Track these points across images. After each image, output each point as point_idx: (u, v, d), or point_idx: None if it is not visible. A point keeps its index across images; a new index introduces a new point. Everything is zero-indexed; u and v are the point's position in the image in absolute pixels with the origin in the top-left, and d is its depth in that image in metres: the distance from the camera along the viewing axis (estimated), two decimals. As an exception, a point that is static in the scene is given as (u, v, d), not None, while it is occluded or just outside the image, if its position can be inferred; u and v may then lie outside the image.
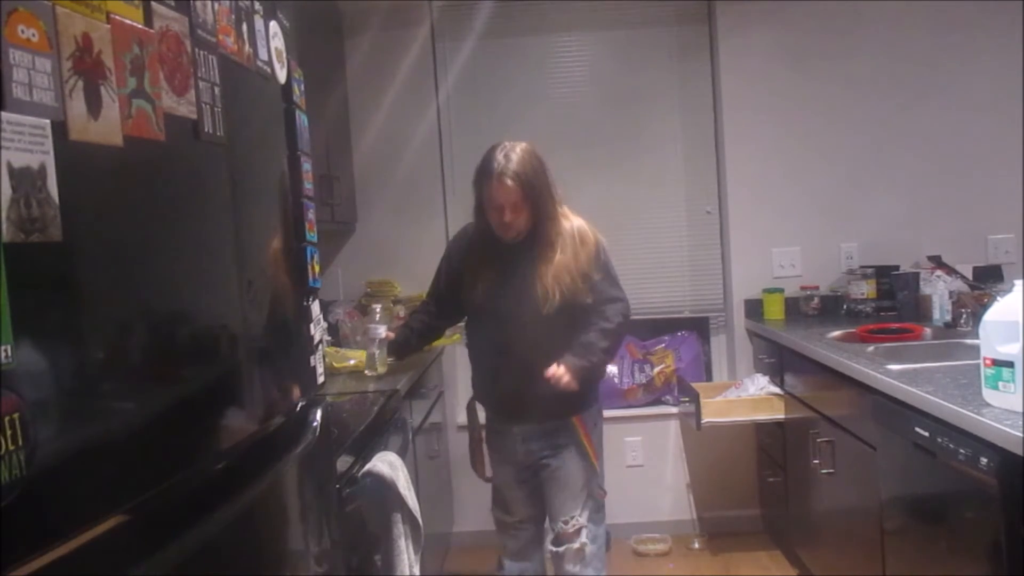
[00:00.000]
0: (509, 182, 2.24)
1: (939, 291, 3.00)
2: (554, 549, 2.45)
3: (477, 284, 2.39)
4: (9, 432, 0.68)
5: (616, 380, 3.59)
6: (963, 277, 3.05)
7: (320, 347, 1.53)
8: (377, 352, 2.59)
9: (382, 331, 2.61)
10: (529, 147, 2.32)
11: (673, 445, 3.63)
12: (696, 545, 3.46)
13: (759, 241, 3.53)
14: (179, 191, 1.04)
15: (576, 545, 2.43)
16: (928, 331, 2.86)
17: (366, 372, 2.60)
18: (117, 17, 0.89)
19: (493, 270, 2.37)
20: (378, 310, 3.10)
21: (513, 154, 2.27)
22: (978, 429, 1.60)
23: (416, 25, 3.58)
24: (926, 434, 1.83)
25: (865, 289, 3.31)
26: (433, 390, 3.23)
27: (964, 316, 2.80)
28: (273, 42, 1.37)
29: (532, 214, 2.30)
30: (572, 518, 2.42)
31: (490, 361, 2.45)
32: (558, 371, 2.26)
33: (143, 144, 0.93)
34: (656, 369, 3.65)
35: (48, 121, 0.77)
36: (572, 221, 2.38)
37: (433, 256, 3.57)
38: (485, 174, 2.29)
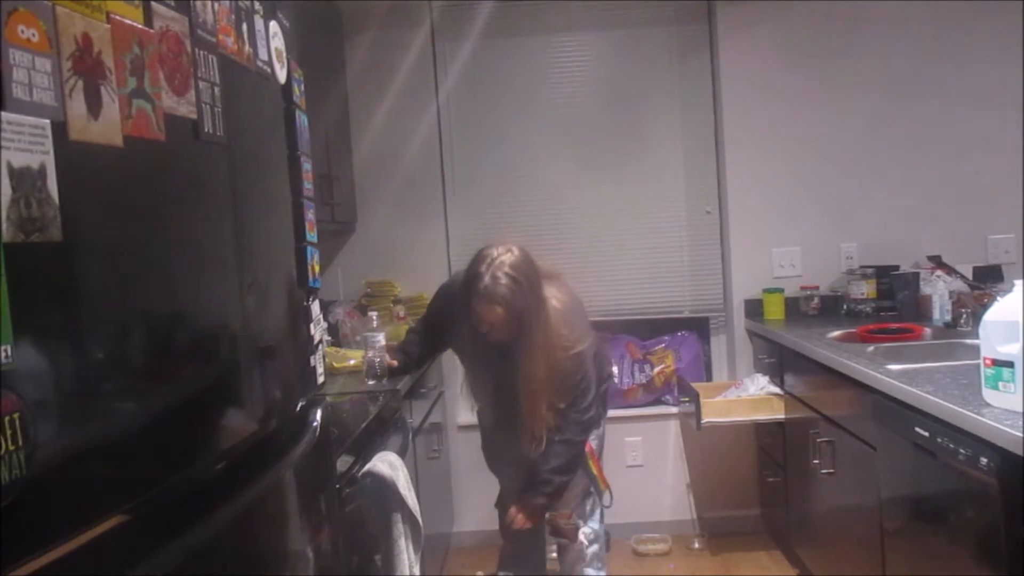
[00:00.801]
0: (496, 307, 2.16)
1: (939, 291, 3.00)
2: (552, 539, 2.49)
3: (470, 376, 2.48)
4: (9, 432, 0.68)
5: (616, 380, 3.59)
6: (963, 277, 3.05)
7: (320, 347, 1.53)
8: (377, 360, 2.59)
9: (381, 338, 2.63)
10: (517, 260, 2.18)
11: (673, 445, 3.63)
12: (696, 545, 3.46)
13: (759, 241, 3.53)
14: (179, 191, 1.04)
15: (576, 545, 2.44)
16: (928, 331, 2.85)
17: (368, 381, 2.60)
18: (117, 17, 0.89)
19: (485, 372, 2.39)
20: (374, 317, 3.10)
21: (500, 274, 2.14)
22: (978, 429, 1.60)
23: (416, 25, 3.58)
24: (926, 434, 1.83)
25: (865, 289, 3.31)
26: (433, 390, 3.23)
27: (964, 316, 2.80)
28: (273, 42, 1.37)
29: (518, 327, 2.21)
30: (570, 514, 2.43)
31: (488, 403, 2.51)
32: (516, 516, 2.37)
33: (143, 144, 0.93)
34: (656, 369, 3.65)
35: (48, 121, 0.77)
36: (556, 317, 2.27)
37: (433, 256, 3.62)
38: (472, 291, 2.19)
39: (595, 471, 2.47)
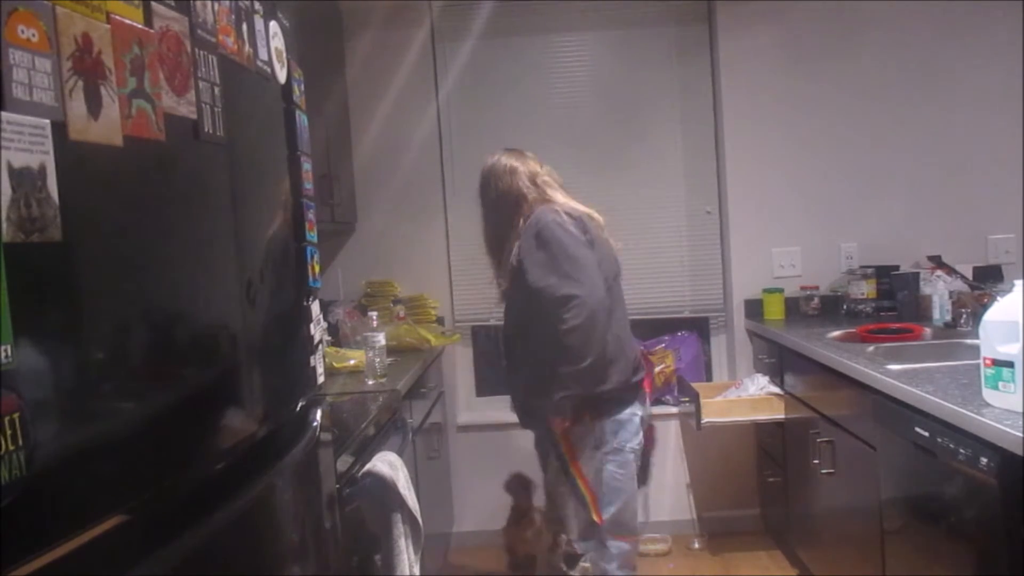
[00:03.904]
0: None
1: (939, 291, 3.00)
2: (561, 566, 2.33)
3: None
4: (9, 432, 0.68)
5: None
6: (963, 277, 3.05)
7: (320, 347, 1.53)
8: (377, 360, 2.59)
9: (381, 338, 2.63)
10: (488, 164, 2.40)
11: (673, 445, 3.63)
12: (696, 545, 3.46)
13: (759, 241, 3.53)
14: (179, 191, 1.04)
15: (574, 574, 2.28)
16: (928, 331, 2.86)
17: (368, 381, 2.60)
18: (117, 17, 0.89)
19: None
20: (374, 317, 3.10)
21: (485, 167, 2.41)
22: (978, 429, 1.60)
23: (416, 25, 3.58)
24: (926, 434, 1.83)
25: (865, 289, 3.31)
26: (433, 390, 3.23)
27: (964, 316, 2.80)
28: (273, 42, 1.37)
29: (491, 222, 2.40)
30: (570, 536, 2.30)
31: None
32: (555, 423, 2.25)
33: (143, 144, 0.93)
34: (656, 369, 3.65)
35: (48, 121, 0.77)
36: (544, 209, 2.25)
37: (433, 256, 3.62)
38: None
39: (569, 460, 2.26)
